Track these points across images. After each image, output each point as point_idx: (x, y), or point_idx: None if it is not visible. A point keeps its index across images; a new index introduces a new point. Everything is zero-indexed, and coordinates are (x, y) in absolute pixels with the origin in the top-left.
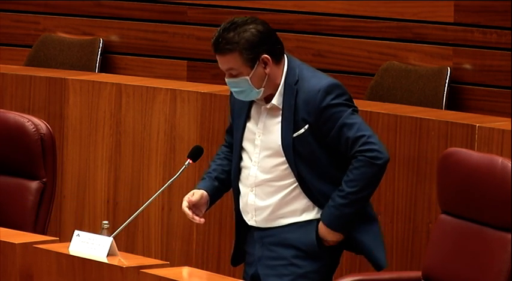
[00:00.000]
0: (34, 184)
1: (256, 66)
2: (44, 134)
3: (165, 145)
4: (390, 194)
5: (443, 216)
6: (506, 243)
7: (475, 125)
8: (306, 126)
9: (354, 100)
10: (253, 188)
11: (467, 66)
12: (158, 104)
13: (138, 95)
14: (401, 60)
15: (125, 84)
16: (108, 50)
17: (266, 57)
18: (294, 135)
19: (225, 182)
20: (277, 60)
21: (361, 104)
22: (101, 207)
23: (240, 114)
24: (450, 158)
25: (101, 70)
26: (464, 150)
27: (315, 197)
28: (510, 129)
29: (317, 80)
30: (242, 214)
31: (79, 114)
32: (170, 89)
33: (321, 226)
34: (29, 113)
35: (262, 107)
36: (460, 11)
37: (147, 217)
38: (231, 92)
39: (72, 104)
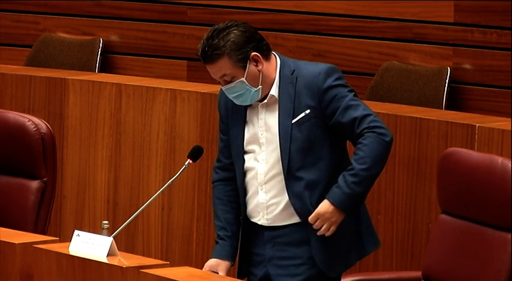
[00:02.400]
0: (35, 184)
1: (248, 65)
2: (44, 133)
3: (165, 145)
4: (390, 194)
5: (443, 216)
6: (506, 243)
7: (475, 125)
8: (308, 111)
9: None
10: (263, 186)
11: (467, 66)
12: (158, 104)
13: (138, 95)
14: (402, 60)
15: (125, 84)
16: (108, 50)
17: (256, 55)
18: (293, 121)
19: (239, 229)
20: (267, 57)
21: None
22: (101, 207)
23: (236, 123)
24: (450, 158)
25: (101, 70)
26: (464, 150)
27: (303, 188)
28: (510, 129)
29: (314, 66)
30: (250, 216)
31: (79, 114)
32: (170, 89)
33: (327, 204)
34: (29, 113)
35: (259, 105)
36: (460, 11)
37: (147, 217)
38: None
39: (72, 104)
